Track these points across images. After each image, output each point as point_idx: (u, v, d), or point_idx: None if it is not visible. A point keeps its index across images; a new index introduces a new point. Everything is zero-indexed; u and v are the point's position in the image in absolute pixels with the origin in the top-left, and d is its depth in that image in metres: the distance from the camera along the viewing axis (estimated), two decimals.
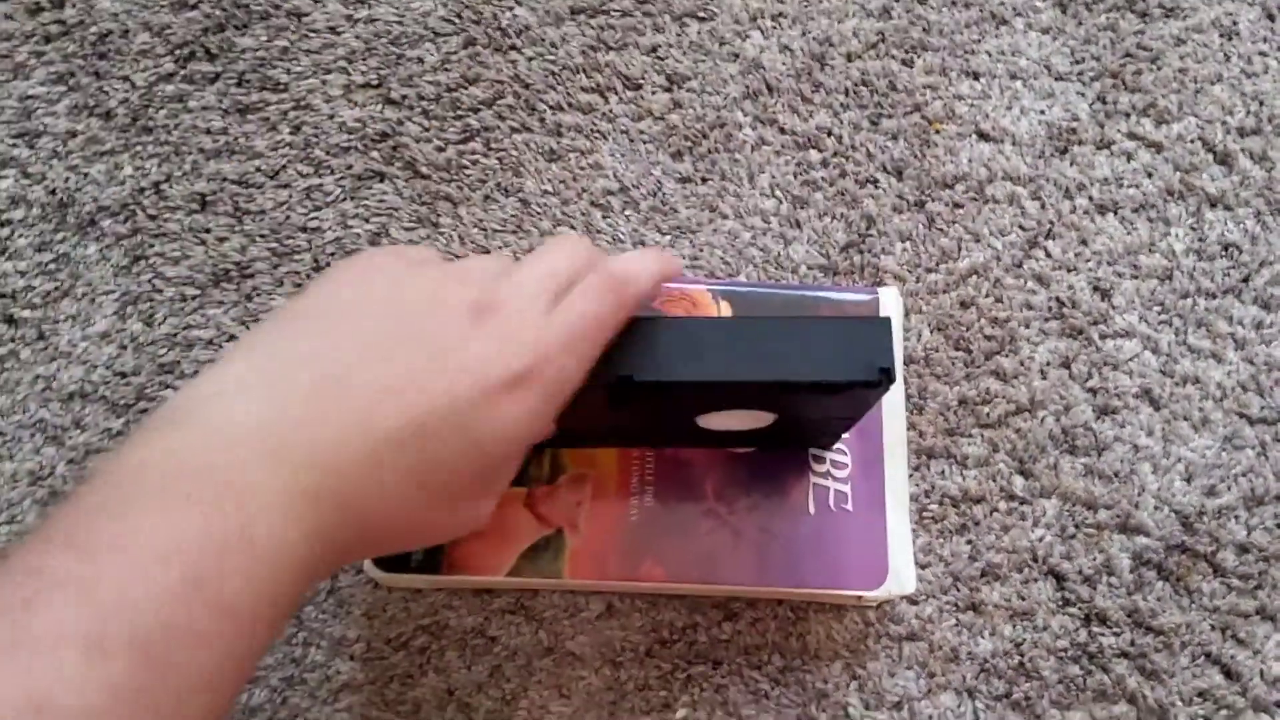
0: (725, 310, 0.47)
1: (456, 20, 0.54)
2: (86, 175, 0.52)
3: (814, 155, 0.52)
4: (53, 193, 0.52)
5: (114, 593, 0.25)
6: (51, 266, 0.51)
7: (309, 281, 0.36)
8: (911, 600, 0.47)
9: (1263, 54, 0.54)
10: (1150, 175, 0.52)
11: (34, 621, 0.24)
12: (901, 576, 0.45)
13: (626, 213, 0.52)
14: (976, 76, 0.54)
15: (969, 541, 0.48)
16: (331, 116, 0.52)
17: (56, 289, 0.50)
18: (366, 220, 0.51)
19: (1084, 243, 0.51)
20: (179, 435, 0.29)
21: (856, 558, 0.45)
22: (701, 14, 0.54)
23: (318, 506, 0.29)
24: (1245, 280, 0.51)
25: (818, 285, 0.50)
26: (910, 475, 0.48)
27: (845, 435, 0.46)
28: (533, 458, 0.46)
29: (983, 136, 0.53)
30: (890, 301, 0.48)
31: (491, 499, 0.35)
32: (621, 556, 0.44)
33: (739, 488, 0.45)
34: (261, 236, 0.51)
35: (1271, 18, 0.55)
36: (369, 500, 0.31)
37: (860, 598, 0.45)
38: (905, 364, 0.49)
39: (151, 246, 0.51)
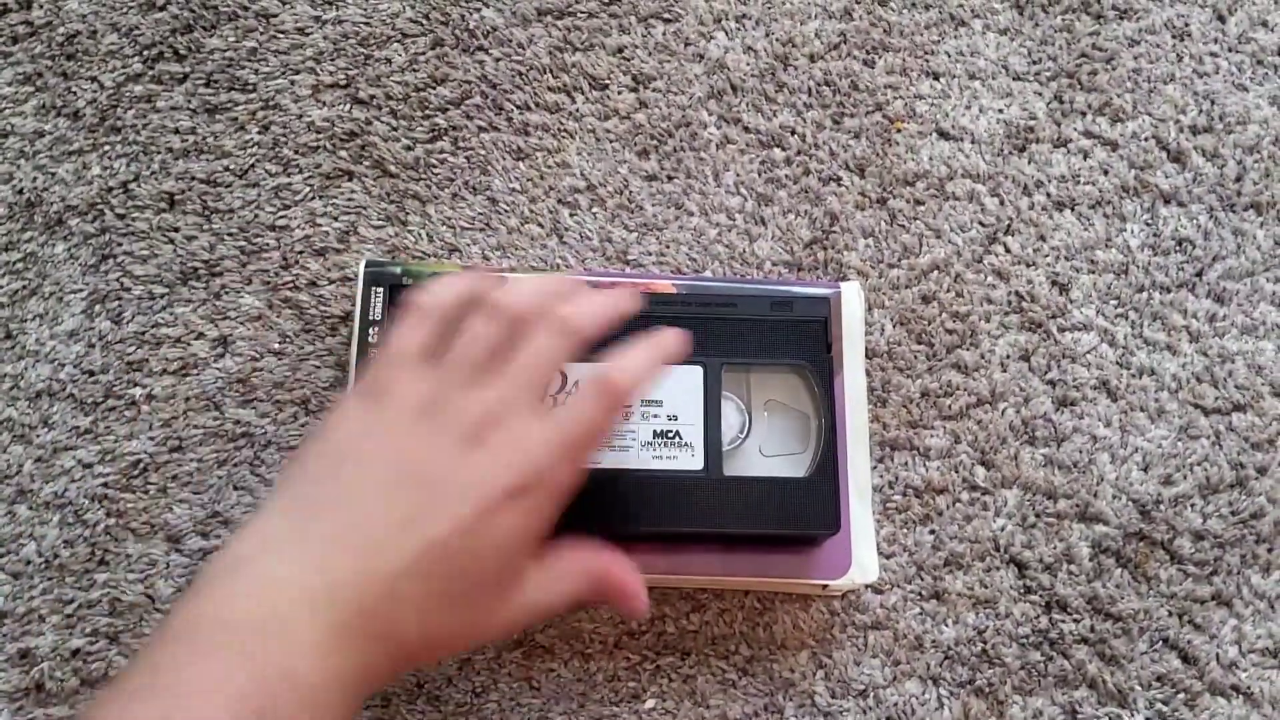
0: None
1: (424, 21, 0.54)
2: (54, 175, 0.52)
3: (778, 154, 0.53)
4: (20, 192, 0.52)
5: None
6: (19, 265, 0.51)
7: (329, 415, 0.38)
8: (876, 589, 0.48)
9: (1214, 54, 0.55)
10: (1106, 172, 0.54)
11: None
12: (865, 565, 0.45)
13: (593, 210, 0.52)
14: (936, 76, 0.55)
15: (932, 531, 0.49)
16: (300, 116, 0.53)
17: (24, 288, 0.50)
18: (335, 219, 0.51)
19: (1042, 238, 0.53)
20: (226, 591, 0.33)
21: (821, 547, 0.45)
22: (666, 15, 0.55)
23: (350, 640, 0.33)
24: (1199, 274, 0.52)
25: (780, 280, 0.51)
26: (874, 467, 0.49)
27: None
28: None
29: (943, 135, 0.54)
30: (852, 296, 0.49)
31: (516, 595, 0.36)
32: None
33: None
34: (230, 235, 0.51)
35: (1222, 19, 0.56)
36: (399, 625, 0.34)
37: (825, 587, 0.46)
38: (868, 357, 0.50)
39: (120, 245, 0.51)
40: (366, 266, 0.48)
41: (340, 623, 0.32)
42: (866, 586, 0.48)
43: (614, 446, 0.45)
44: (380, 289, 0.47)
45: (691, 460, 0.45)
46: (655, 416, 0.45)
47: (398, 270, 0.47)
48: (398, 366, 0.38)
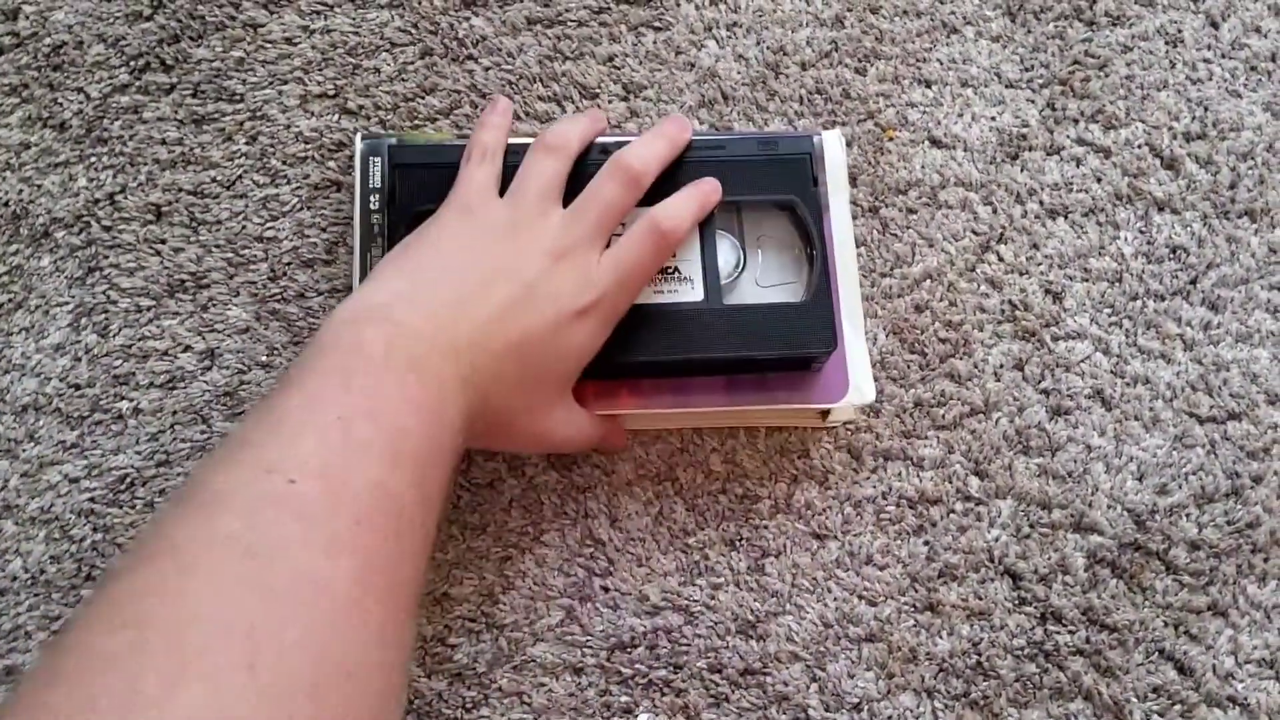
0: None
1: (413, 31, 0.54)
2: (40, 187, 0.51)
3: None
4: (6, 205, 0.51)
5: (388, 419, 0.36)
6: (5, 279, 0.50)
7: (428, 223, 0.43)
8: (870, 601, 0.48)
9: (1207, 61, 0.55)
10: (1099, 180, 0.53)
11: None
12: (862, 388, 0.47)
13: None
14: (928, 84, 0.54)
15: (926, 542, 0.48)
16: (288, 126, 0.52)
17: (10, 301, 0.50)
18: (323, 230, 0.51)
19: (1035, 247, 0.52)
20: (371, 333, 0.37)
21: (819, 374, 0.47)
22: (657, 24, 0.55)
23: (469, 392, 0.39)
24: (1193, 282, 0.52)
25: (762, 133, 0.52)
26: (868, 478, 0.49)
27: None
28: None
29: (935, 143, 0.54)
30: (834, 142, 0.50)
31: (562, 407, 0.44)
32: (599, 389, 0.46)
33: None
34: (217, 247, 0.51)
35: (1215, 25, 0.56)
36: (493, 395, 0.40)
37: (826, 415, 0.48)
38: None
39: (106, 258, 0.51)
40: (363, 138, 0.48)
41: (465, 376, 0.39)
42: (864, 408, 0.49)
43: None
44: (378, 158, 0.48)
45: (692, 293, 0.46)
46: None
47: (393, 139, 0.49)
48: (478, 192, 0.44)
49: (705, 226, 0.47)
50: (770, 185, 0.48)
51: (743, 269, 0.48)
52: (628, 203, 0.44)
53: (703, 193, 0.46)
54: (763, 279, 0.48)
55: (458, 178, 0.45)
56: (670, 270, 0.47)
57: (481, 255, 0.42)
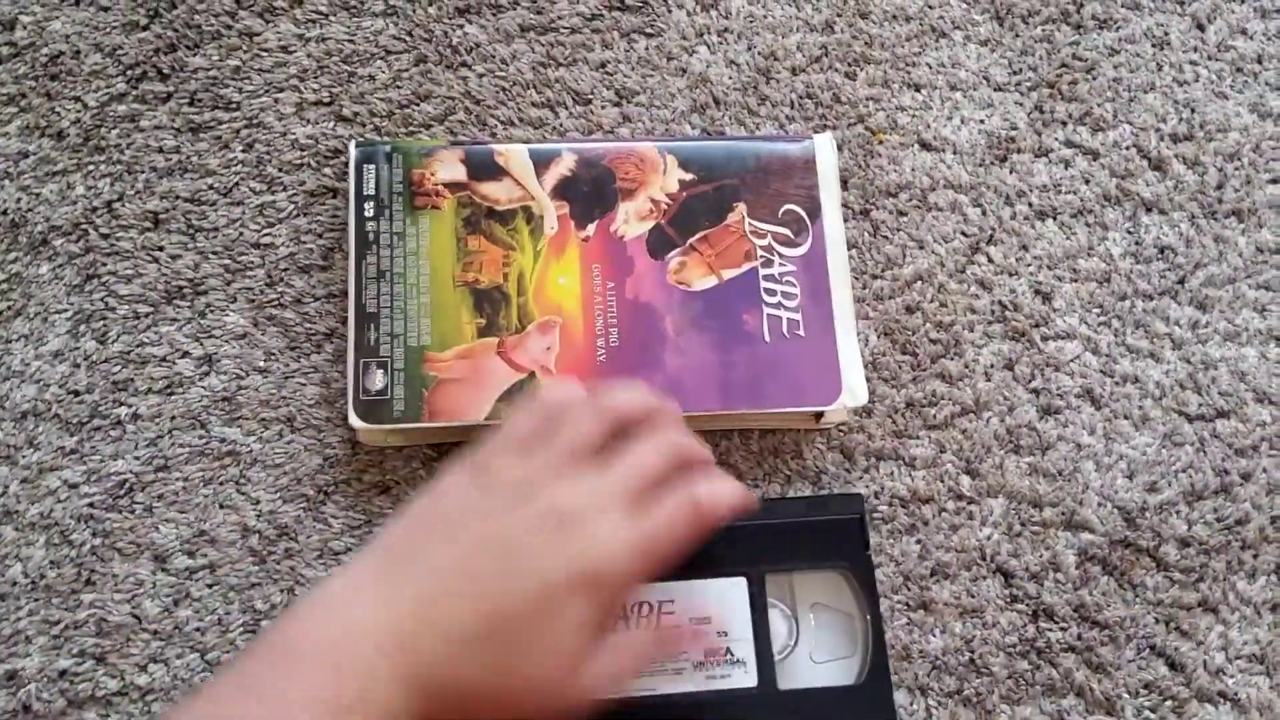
0: (672, 164, 0.51)
1: (407, 38, 0.54)
2: (38, 195, 0.52)
3: None
4: (4, 213, 0.52)
5: None
6: (3, 286, 0.51)
7: (421, 495, 0.39)
8: None
9: (1193, 63, 0.56)
10: (1087, 181, 0.54)
11: None
12: (854, 391, 0.48)
13: None
14: (918, 88, 0.55)
15: (918, 541, 0.49)
16: (284, 134, 0.53)
17: (9, 308, 0.50)
18: (320, 235, 0.52)
19: (1024, 248, 0.53)
20: (317, 623, 0.36)
21: (812, 377, 0.48)
22: (649, 30, 0.55)
23: (412, 688, 0.35)
24: (1181, 282, 0.53)
25: (756, 136, 0.53)
26: (860, 478, 0.49)
27: (794, 268, 0.50)
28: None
29: (925, 146, 0.54)
30: (825, 145, 0.52)
31: (572, 680, 0.37)
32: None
33: (698, 323, 0.48)
34: (214, 253, 0.51)
35: (1201, 28, 0.56)
36: (460, 685, 0.36)
37: (819, 416, 0.48)
38: None
39: (104, 265, 0.51)
40: (357, 145, 0.50)
41: (407, 672, 0.35)
42: (856, 410, 0.49)
43: (668, 670, 0.45)
44: (372, 166, 0.49)
45: (745, 677, 0.45)
46: (705, 635, 0.45)
47: (388, 147, 0.50)
48: (502, 448, 0.40)
49: (757, 600, 0.45)
50: (820, 549, 0.47)
51: (796, 643, 0.46)
52: (660, 470, 0.39)
53: (748, 495, 0.40)
54: (817, 653, 0.46)
55: (504, 420, 0.41)
56: (722, 652, 0.45)
57: (473, 527, 0.38)
